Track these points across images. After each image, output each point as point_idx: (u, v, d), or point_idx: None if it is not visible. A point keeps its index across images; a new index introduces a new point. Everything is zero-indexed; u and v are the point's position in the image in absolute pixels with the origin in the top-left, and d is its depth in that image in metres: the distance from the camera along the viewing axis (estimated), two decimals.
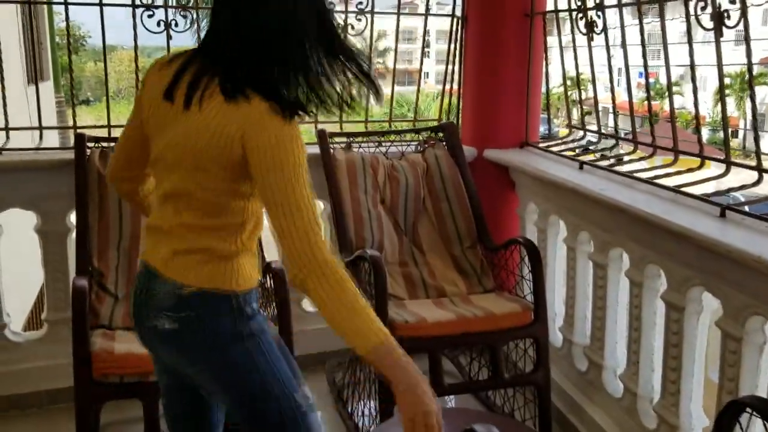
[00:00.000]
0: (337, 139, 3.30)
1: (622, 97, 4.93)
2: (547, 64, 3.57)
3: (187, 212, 1.52)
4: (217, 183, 1.48)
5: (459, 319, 2.74)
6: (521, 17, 3.46)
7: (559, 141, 3.59)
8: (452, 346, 3.05)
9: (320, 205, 3.31)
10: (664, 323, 2.49)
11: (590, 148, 3.37)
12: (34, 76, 6.78)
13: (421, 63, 4.01)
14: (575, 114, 3.64)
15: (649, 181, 2.69)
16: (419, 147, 3.45)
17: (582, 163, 3.07)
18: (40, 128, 3.23)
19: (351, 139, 3.34)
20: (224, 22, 1.48)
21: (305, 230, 1.39)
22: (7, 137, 3.15)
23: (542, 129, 3.86)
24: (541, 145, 3.58)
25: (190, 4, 3.21)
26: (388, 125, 3.82)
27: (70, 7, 3.27)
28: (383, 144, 3.40)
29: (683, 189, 2.53)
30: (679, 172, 2.69)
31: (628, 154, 3.08)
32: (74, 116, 3.24)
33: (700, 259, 2.25)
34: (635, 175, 2.77)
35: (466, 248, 3.21)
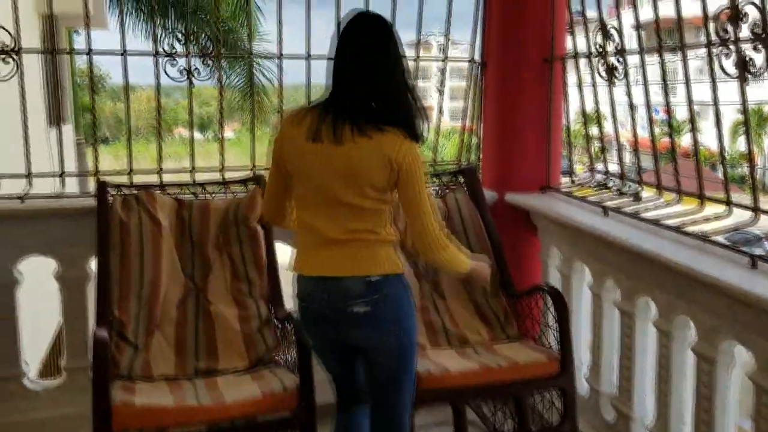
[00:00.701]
0: None
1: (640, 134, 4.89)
2: (567, 104, 3.55)
3: (355, 221, 2.04)
4: (376, 194, 2.02)
5: (483, 369, 2.68)
6: (540, 62, 3.46)
7: (581, 183, 3.55)
8: (476, 397, 2.98)
9: None
10: (695, 375, 2.42)
11: (609, 185, 3.33)
12: (56, 119, 6.90)
13: (440, 111, 4.01)
14: (593, 152, 3.60)
15: (675, 228, 2.65)
16: (440, 191, 3.42)
17: (606, 209, 3.03)
18: (62, 174, 3.24)
19: None
20: (348, 79, 2.02)
21: (431, 225, 2.07)
22: (30, 184, 3.17)
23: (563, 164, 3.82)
24: (563, 189, 3.54)
25: (212, 53, 3.23)
26: None
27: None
28: None
29: (711, 237, 2.48)
30: (707, 219, 2.64)
31: (652, 195, 3.03)
32: (96, 162, 3.25)
33: (730, 309, 2.20)
34: (661, 222, 2.73)
35: (489, 295, 3.15)
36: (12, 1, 3.02)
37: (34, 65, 3.77)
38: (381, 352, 2.16)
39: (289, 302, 2.80)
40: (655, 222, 2.75)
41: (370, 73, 2.00)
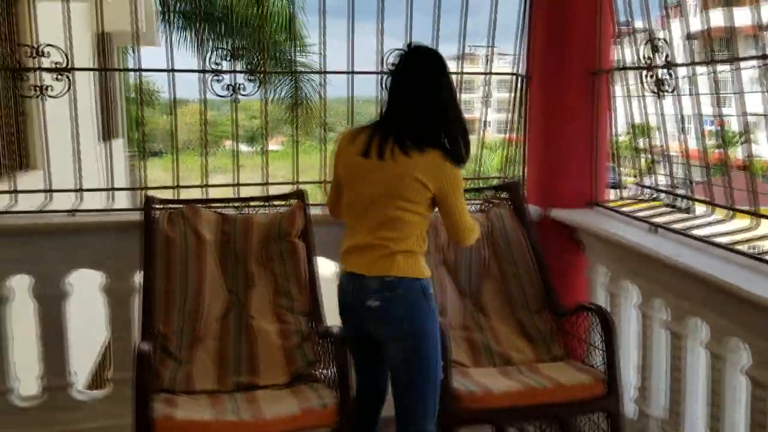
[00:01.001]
0: None
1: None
2: (615, 115, 3.47)
3: (385, 230, 2.29)
4: (409, 207, 2.26)
5: (526, 389, 2.62)
6: (586, 75, 3.39)
7: (629, 197, 3.46)
8: (519, 419, 2.91)
9: None
10: (749, 400, 2.32)
11: (659, 199, 3.24)
12: (107, 134, 7.08)
13: (484, 124, 3.97)
14: (641, 164, 3.50)
15: (727, 247, 2.55)
16: (483, 206, 3.38)
17: (655, 226, 2.95)
18: (112, 189, 3.31)
19: None
20: (405, 103, 2.29)
21: (464, 223, 2.40)
22: (81, 199, 3.24)
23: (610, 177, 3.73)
24: (610, 204, 3.46)
25: (257, 70, 3.27)
26: None
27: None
28: None
29: (766, 257, 2.38)
30: (762, 237, 2.54)
31: (705, 210, 2.94)
32: (145, 177, 3.32)
33: None
34: (712, 240, 2.63)
35: (533, 313, 3.10)
36: (64, 22, 3.11)
37: (86, 82, 3.86)
38: (394, 347, 2.34)
39: (330, 318, 2.81)
40: (706, 240, 2.66)
41: (420, 100, 2.28)
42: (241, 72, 3.25)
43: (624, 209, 3.31)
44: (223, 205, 3.07)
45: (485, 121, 3.94)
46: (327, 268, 3.07)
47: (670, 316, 2.71)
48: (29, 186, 3.31)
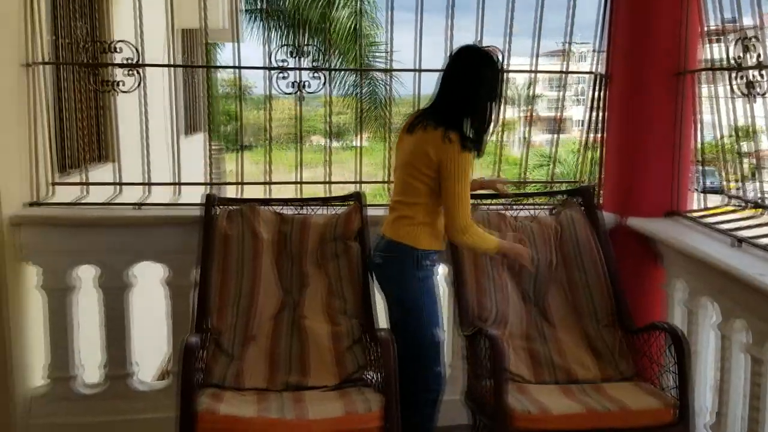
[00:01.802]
0: None
1: None
2: (702, 120, 3.23)
3: (402, 194, 2.59)
4: (421, 177, 2.52)
5: (588, 412, 2.45)
6: (670, 76, 3.17)
7: (716, 210, 3.21)
8: None
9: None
10: None
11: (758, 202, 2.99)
12: (188, 128, 7.26)
13: (559, 124, 3.79)
14: (738, 170, 3.22)
15: None
16: (554, 210, 3.20)
17: (738, 240, 2.71)
18: (178, 183, 3.35)
19: (478, 201, 3.14)
20: (444, 91, 2.59)
21: (458, 212, 2.49)
22: (148, 192, 3.30)
23: (708, 182, 3.45)
24: (693, 215, 3.22)
25: (321, 67, 3.23)
26: (522, 188, 3.62)
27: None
28: (513, 207, 3.20)
29: None
30: None
31: None
32: (210, 174, 3.34)
33: None
34: None
35: (602, 326, 2.91)
36: (135, 18, 3.16)
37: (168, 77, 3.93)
38: (388, 306, 2.68)
39: (383, 321, 2.73)
40: None
41: (452, 88, 2.58)
42: (305, 69, 3.22)
43: (707, 220, 3.07)
44: (282, 204, 3.05)
45: (560, 119, 3.77)
46: None
47: (751, 339, 2.48)
48: (106, 178, 3.40)
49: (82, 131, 3.77)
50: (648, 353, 2.73)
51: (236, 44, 3.33)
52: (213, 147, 11.41)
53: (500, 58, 2.68)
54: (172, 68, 3.39)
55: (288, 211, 3.05)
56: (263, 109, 3.46)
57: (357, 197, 3.00)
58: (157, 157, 3.33)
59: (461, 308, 2.85)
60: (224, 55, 12.34)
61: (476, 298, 2.89)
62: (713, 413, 2.76)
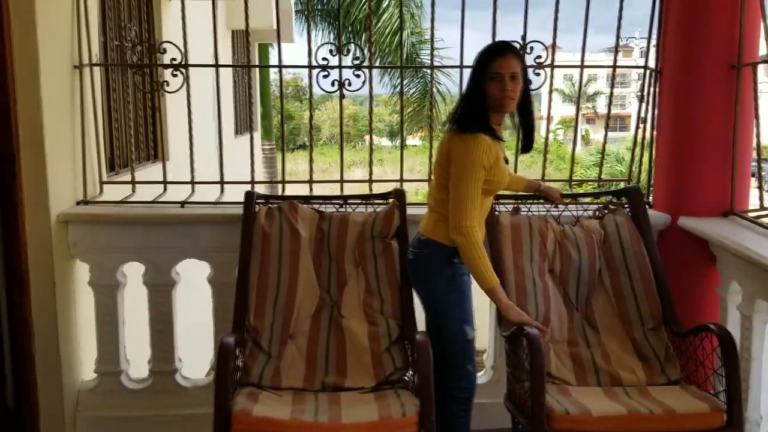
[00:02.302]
0: (503, 202, 3.09)
1: None
2: (758, 118, 3.08)
3: (434, 192, 2.59)
4: (445, 174, 2.51)
5: (631, 414, 2.37)
6: (726, 68, 3.02)
7: None
8: None
9: None
10: None
11: None
12: (239, 128, 7.36)
13: (607, 120, 3.67)
14: None
15: None
16: (597, 213, 3.11)
17: None
18: (222, 182, 3.39)
19: (520, 201, 3.09)
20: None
21: (456, 208, 2.43)
22: (192, 190, 3.35)
23: None
24: (751, 215, 3.07)
25: (365, 64, 3.21)
26: (568, 186, 3.52)
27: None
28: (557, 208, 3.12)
29: None
30: None
31: None
32: (252, 173, 3.36)
33: None
34: None
35: (648, 330, 2.81)
36: (181, 20, 3.21)
37: (222, 78, 3.99)
38: (420, 297, 2.66)
39: (422, 323, 2.69)
40: None
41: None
42: (345, 67, 3.21)
43: (765, 221, 2.92)
44: (322, 201, 3.04)
45: (608, 117, 3.65)
46: None
47: None
48: (158, 177, 3.46)
49: (133, 131, 3.85)
50: (696, 357, 2.61)
51: (279, 44, 3.33)
52: (267, 147, 11.59)
53: (493, 46, 2.61)
54: (217, 69, 3.40)
55: (329, 209, 3.04)
56: (317, 109, 3.45)
57: (397, 195, 2.96)
58: (207, 156, 3.37)
59: None
60: (274, 54, 12.46)
61: (516, 300, 2.82)
62: None
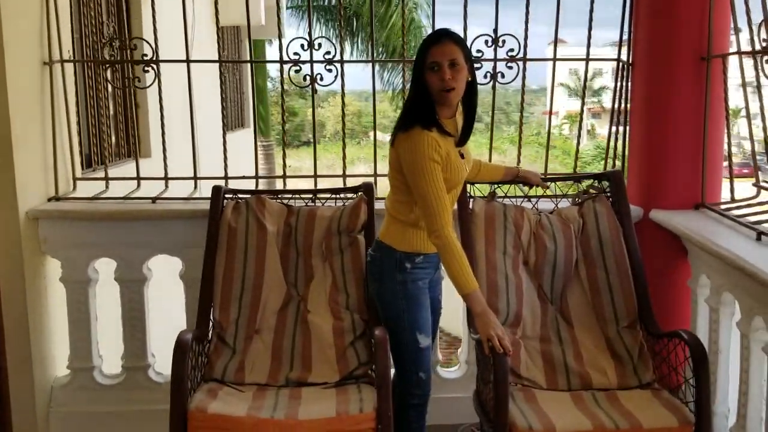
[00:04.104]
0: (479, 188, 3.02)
1: None
2: (728, 110, 3.06)
3: (391, 195, 2.51)
4: (395, 174, 2.43)
5: (596, 429, 2.30)
6: (696, 61, 3.01)
7: (745, 200, 3.03)
8: None
9: None
10: None
11: None
12: (228, 124, 7.36)
13: (582, 110, 3.66)
14: None
15: None
16: (577, 199, 3.06)
17: (760, 234, 2.55)
18: (195, 178, 3.39)
19: (495, 187, 3.02)
20: None
21: (426, 213, 2.31)
22: (166, 186, 3.35)
23: None
24: (721, 207, 3.05)
25: (335, 59, 3.20)
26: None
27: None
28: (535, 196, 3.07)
29: None
30: None
31: None
32: (226, 168, 3.35)
33: None
34: None
35: (623, 328, 2.75)
36: (152, 15, 3.21)
37: (205, 74, 3.99)
38: (374, 297, 2.58)
39: None
40: None
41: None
42: (318, 62, 3.20)
43: (733, 213, 2.90)
44: (291, 196, 3.03)
45: (612, 111, 3.61)
46: None
47: None
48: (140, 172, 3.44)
49: (111, 127, 3.86)
50: (669, 360, 2.57)
51: (249, 39, 3.33)
52: (264, 143, 11.59)
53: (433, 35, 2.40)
54: (188, 64, 3.36)
55: (299, 203, 3.03)
56: (320, 106, 3.46)
57: (365, 189, 2.95)
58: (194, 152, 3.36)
59: None
60: (273, 51, 12.47)
61: (487, 298, 2.78)
62: (735, 415, 2.61)
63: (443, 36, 2.35)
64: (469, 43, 3.19)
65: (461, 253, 2.30)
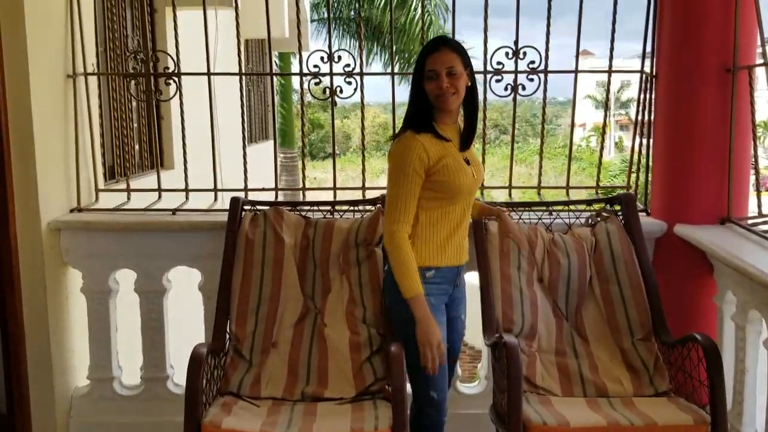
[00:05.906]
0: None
1: None
2: (754, 122, 2.99)
3: None
4: None
5: (610, 426, 2.30)
6: (722, 72, 2.95)
7: None
8: None
9: None
10: None
11: None
12: (251, 136, 7.42)
13: (604, 122, 3.61)
14: None
15: None
16: (590, 220, 3.06)
17: None
18: (215, 190, 3.41)
19: (511, 209, 3.03)
20: None
21: (387, 213, 2.35)
22: (187, 198, 3.37)
23: None
24: (748, 221, 2.98)
25: (355, 71, 3.20)
26: (566, 193, 3.47)
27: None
28: (550, 214, 3.07)
29: None
30: None
31: None
32: (246, 180, 3.36)
33: None
34: None
35: (638, 340, 2.74)
36: (173, 29, 3.24)
37: (230, 87, 4.03)
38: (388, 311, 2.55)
39: None
40: None
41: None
42: (338, 74, 3.21)
43: (761, 228, 2.83)
44: (309, 208, 3.02)
45: (636, 123, 3.57)
46: None
47: None
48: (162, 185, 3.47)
49: (135, 139, 3.90)
50: (683, 367, 2.54)
51: (269, 52, 3.34)
52: (287, 154, 11.64)
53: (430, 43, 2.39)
54: (209, 77, 3.38)
55: (318, 215, 3.02)
56: (346, 117, 3.47)
57: (383, 201, 2.93)
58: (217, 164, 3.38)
59: (485, 318, 2.75)
60: (297, 63, 12.54)
61: (501, 308, 2.77)
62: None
63: (441, 44, 2.36)
64: (489, 56, 3.19)
65: (408, 256, 2.30)
